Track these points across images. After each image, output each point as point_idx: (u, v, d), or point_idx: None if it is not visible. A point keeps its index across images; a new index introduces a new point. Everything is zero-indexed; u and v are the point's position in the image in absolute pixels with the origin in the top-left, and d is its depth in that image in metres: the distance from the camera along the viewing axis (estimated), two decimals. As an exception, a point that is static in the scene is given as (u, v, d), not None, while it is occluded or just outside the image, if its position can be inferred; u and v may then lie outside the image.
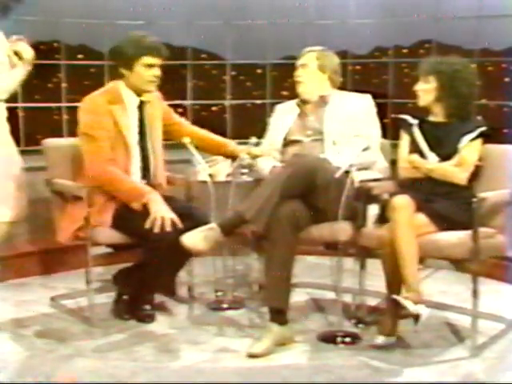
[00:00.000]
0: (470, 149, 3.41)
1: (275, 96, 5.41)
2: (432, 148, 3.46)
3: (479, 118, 3.56)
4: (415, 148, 3.51)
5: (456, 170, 3.39)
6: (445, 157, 3.43)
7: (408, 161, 3.50)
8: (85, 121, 3.58)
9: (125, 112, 3.62)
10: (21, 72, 3.77)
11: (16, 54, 3.79)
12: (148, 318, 3.68)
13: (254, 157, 3.83)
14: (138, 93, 3.67)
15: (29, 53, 3.80)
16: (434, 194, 3.37)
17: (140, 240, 3.46)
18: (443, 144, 3.45)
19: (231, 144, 3.94)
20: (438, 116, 3.53)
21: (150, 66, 3.62)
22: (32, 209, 4.60)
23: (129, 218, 3.46)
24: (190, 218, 3.48)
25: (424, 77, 3.52)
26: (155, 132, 3.75)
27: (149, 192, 3.48)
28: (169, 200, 3.54)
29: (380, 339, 3.31)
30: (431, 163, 3.43)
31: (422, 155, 3.47)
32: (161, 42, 4.35)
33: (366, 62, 5.63)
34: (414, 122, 3.57)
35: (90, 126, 3.54)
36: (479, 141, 3.43)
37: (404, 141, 3.59)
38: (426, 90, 3.51)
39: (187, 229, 3.33)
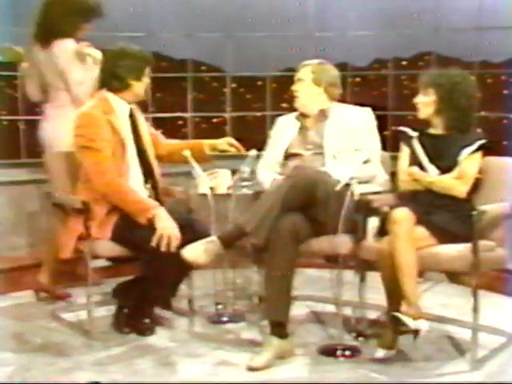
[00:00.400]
0: (469, 162, 3.41)
1: (275, 108, 5.42)
2: (432, 160, 3.46)
3: (479, 130, 3.55)
4: (415, 160, 3.51)
5: (456, 183, 3.39)
6: (445, 169, 3.43)
7: (408, 173, 3.50)
8: (84, 134, 3.57)
9: (120, 121, 3.65)
10: (94, 74, 3.99)
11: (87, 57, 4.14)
12: (148, 331, 3.67)
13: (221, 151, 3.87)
14: (132, 101, 3.73)
15: (99, 54, 4.10)
16: (433, 207, 3.36)
17: (139, 253, 3.47)
18: (443, 156, 3.45)
19: (203, 141, 3.93)
20: (437, 128, 3.53)
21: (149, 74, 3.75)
22: (33, 221, 4.65)
23: (128, 230, 3.46)
24: (191, 230, 3.48)
25: (423, 89, 3.53)
26: (147, 140, 3.78)
27: (154, 207, 3.48)
28: (168, 212, 3.55)
29: (380, 352, 3.30)
30: (431, 176, 3.43)
31: (422, 168, 3.47)
32: (162, 55, 4.42)
33: (366, 74, 5.64)
34: (414, 134, 3.57)
35: (91, 139, 3.54)
36: (479, 153, 3.43)
37: (404, 153, 3.59)
38: (425, 103, 3.51)
39: (187, 241, 3.33)
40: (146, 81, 3.73)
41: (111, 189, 3.51)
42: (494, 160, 3.54)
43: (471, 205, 3.35)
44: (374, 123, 3.80)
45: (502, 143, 5.09)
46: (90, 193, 3.54)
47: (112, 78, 3.66)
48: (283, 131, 3.87)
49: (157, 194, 3.72)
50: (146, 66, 3.71)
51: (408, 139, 3.58)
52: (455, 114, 3.47)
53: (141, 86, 3.71)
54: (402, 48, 5.53)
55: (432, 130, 3.55)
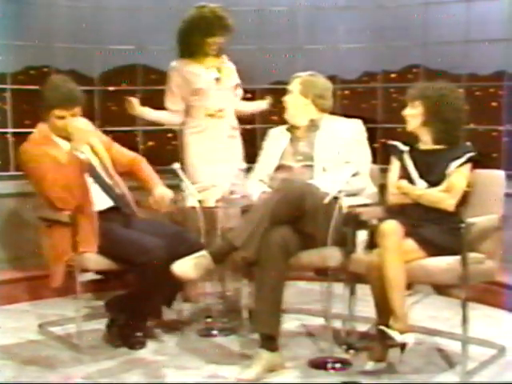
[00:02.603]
0: (458, 175, 3.41)
1: (265, 121, 5.42)
2: (422, 175, 3.46)
3: (468, 143, 3.56)
4: (405, 175, 3.51)
5: (444, 197, 3.40)
6: (434, 183, 3.43)
7: (396, 186, 3.50)
8: (26, 170, 3.63)
9: (61, 149, 3.63)
10: None
11: None
12: (138, 345, 3.66)
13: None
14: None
15: None
16: (422, 220, 3.36)
17: (125, 265, 3.46)
18: (432, 171, 3.45)
19: (157, 188, 3.82)
20: (426, 142, 3.53)
21: (61, 117, 3.66)
22: (21, 234, 4.63)
23: (113, 244, 3.46)
24: (183, 243, 3.50)
25: (411, 102, 3.53)
26: (104, 160, 3.79)
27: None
28: (159, 225, 3.55)
29: (370, 365, 3.30)
30: (420, 189, 3.43)
31: (412, 182, 3.48)
32: (151, 67, 4.41)
33: (355, 86, 5.66)
34: (405, 148, 3.56)
35: (35, 168, 3.56)
36: (467, 166, 3.43)
37: (394, 166, 3.59)
38: (413, 115, 3.52)
39: (180, 253, 3.33)
40: (53, 122, 3.65)
41: (67, 196, 3.51)
42: (484, 172, 3.55)
43: (460, 217, 3.36)
44: (364, 135, 3.80)
45: (490, 156, 5.11)
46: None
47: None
48: (275, 143, 3.88)
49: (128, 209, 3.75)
50: (53, 107, 3.63)
51: (399, 153, 3.58)
52: (442, 126, 3.47)
53: (50, 125, 3.66)
54: (390, 61, 5.55)
55: (421, 146, 3.55)
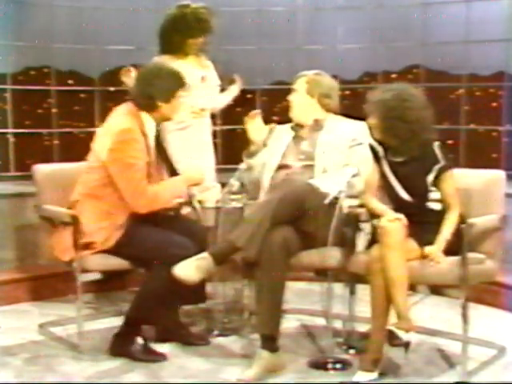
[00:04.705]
0: (446, 187, 3.33)
1: (265, 121, 5.41)
2: (403, 187, 3.38)
3: (436, 146, 3.34)
4: (386, 185, 3.43)
5: (454, 217, 3.30)
6: (417, 196, 3.35)
7: (430, 253, 3.25)
8: (126, 151, 3.45)
9: (149, 138, 3.61)
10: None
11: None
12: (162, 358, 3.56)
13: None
14: (159, 122, 3.67)
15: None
16: (422, 221, 3.34)
17: (143, 264, 3.47)
18: (413, 184, 3.36)
19: None
20: (396, 152, 3.41)
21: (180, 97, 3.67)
22: (21, 235, 4.63)
23: (131, 242, 3.46)
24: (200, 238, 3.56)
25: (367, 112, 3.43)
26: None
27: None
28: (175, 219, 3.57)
29: (359, 376, 3.23)
30: (445, 235, 3.26)
31: (394, 193, 3.40)
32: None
33: (356, 87, 5.67)
34: (381, 154, 3.45)
35: (133, 156, 3.45)
36: (447, 172, 3.34)
37: (374, 168, 3.48)
38: (372, 126, 3.42)
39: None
40: (174, 103, 3.61)
41: (152, 205, 3.49)
42: (484, 173, 3.55)
43: (460, 217, 3.34)
44: (367, 137, 3.78)
45: (491, 156, 5.12)
46: (94, 206, 3.50)
47: (142, 97, 3.57)
48: (278, 141, 3.87)
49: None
50: (178, 89, 3.61)
51: (377, 157, 3.46)
52: (395, 141, 3.36)
53: (168, 108, 3.59)
54: (390, 61, 5.56)
55: (395, 157, 3.41)
